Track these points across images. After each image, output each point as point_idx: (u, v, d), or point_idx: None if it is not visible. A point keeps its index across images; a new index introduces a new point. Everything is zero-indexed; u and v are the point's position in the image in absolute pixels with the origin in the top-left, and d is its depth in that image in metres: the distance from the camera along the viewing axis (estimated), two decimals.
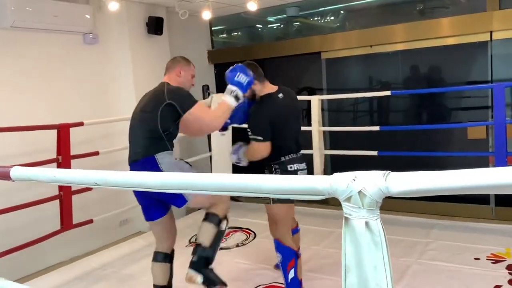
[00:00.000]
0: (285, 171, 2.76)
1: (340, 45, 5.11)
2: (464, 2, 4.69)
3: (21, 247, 3.34)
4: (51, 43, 4.07)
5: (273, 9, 5.50)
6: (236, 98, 2.62)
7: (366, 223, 0.88)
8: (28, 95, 3.88)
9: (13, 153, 3.59)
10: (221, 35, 6.32)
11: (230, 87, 2.64)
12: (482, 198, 4.49)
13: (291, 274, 2.75)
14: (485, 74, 4.42)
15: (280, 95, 2.83)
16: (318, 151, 4.58)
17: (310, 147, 4.54)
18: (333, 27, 5.48)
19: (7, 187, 3.27)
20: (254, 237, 4.23)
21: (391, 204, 3.88)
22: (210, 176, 1.11)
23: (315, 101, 4.59)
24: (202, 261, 2.56)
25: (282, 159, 2.77)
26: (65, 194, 3.59)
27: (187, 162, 2.76)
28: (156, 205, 2.63)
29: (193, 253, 2.61)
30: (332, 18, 5.52)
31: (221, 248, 3.97)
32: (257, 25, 6.08)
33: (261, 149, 2.69)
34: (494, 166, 3.91)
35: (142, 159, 2.52)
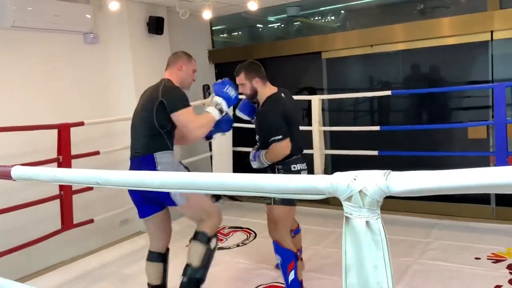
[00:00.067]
0: (288, 171, 2.76)
1: (341, 45, 5.11)
2: (465, 2, 4.68)
3: (21, 246, 3.34)
4: (51, 43, 4.08)
5: (274, 8, 5.50)
6: (220, 111, 2.63)
7: (367, 222, 0.88)
8: (28, 94, 3.88)
9: (14, 152, 3.58)
10: (222, 35, 6.31)
11: (216, 99, 2.64)
12: (483, 198, 4.49)
13: (291, 276, 2.74)
14: (485, 74, 4.41)
15: (282, 95, 2.85)
16: (318, 151, 4.58)
17: (311, 147, 4.54)
18: (333, 27, 5.47)
19: (8, 187, 3.27)
20: (255, 237, 4.23)
21: (392, 204, 3.88)
22: (211, 175, 1.11)
23: (316, 101, 4.58)
24: (193, 282, 2.54)
25: (287, 160, 2.77)
26: (65, 194, 3.59)
27: (186, 167, 2.73)
28: (149, 202, 2.62)
29: (183, 274, 2.57)
30: (333, 17, 5.52)
31: (221, 248, 4.00)
32: (258, 25, 6.08)
33: (283, 147, 2.69)
34: (495, 166, 3.90)
35: (141, 156, 2.52)
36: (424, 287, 3.02)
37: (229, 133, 4.97)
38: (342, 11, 5.41)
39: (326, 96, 5.09)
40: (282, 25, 5.97)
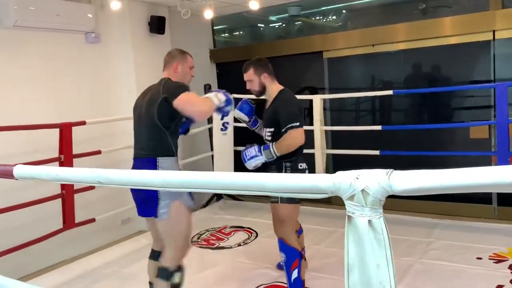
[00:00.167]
0: (295, 170, 2.76)
1: (342, 45, 5.10)
2: (467, 1, 4.67)
3: (23, 245, 3.35)
4: (53, 42, 4.08)
5: (275, 8, 5.50)
6: (219, 109, 2.64)
7: (369, 221, 0.88)
8: (30, 94, 3.88)
9: (15, 152, 3.59)
10: (223, 34, 6.32)
11: (222, 99, 2.63)
12: (485, 198, 4.48)
13: (295, 274, 2.74)
14: (487, 74, 4.41)
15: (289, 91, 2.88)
16: (320, 151, 4.58)
17: (312, 147, 4.54)
18: (335, 27, 5.47)
19: (9, 186, 3.28)
20: (256, 237, 4.23)
21: (393, 204, 3.88)
22: (213, 174, 1.11)
23: (317, 100, 4.58)
24: None
25: (294, 157, 2.77)
26: (67, 193, 3.59)
27: None
28: (145, 203, 2.60)
29: None
30: (334, 17, 5.51)
31: (223, 248, 4.00)
32: (259, 24, 6.08)
33: (299, 134, 2.66)
34: (497, 165, 3.89)
35: (144, 158, 2.53)
36: (425, 287, 3.01)
37: (230, 133, 4.98)
38: (344, 11, 5.40)
39: (327, 96, 5.09)
40: (284, 25, 5.97)
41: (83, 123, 3.79)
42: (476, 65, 4.58)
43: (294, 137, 2.65)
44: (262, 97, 2.93)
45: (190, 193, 2.59)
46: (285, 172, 2.77)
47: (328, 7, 5.43)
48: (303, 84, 5.47)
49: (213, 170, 5.05)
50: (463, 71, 4.65)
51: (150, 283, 2.77)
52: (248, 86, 2.87)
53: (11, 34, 3.73)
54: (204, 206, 5.33)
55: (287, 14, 5.55)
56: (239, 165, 5.37)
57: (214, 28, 6.03)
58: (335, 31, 5.33)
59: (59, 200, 3.60)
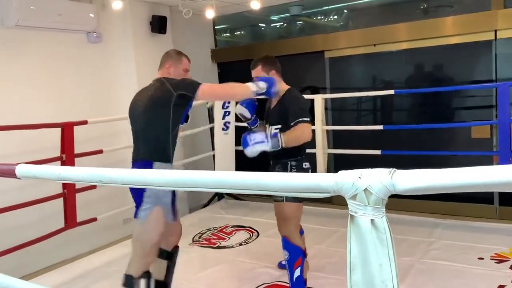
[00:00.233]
0: (301, 169, 2.77)
1: (344, 44, 5.10)
2: (469, 1, 4.67)
3: (25, 245, 3.35)
4: (55, 42, 4.08)
5: (276, 8, 5.50)
6: (257, 94, 2.68)
7: (372, 220, 0.88)
8: (31, 93, 3.89)
9: (16, 151, 3.60)
10: (224, 34, 6.32)
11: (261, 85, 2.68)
12: (486, 198, 4.48)
13: (297, 273, 2.74)
14: (489, 73, 4.40)
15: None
16: (321, 150, 4.58)
17: (314, 146, 4.54)
18: (336, 26, 5.47)
19: (10, 185, 3.28)
20: (257, 236, 4.23)
21: (395, 203, 3.87)
22: (216, 173, 1.11)
23: (319, 100, 4.58)
24: None
25: (299, 156, 2.79)
26: (69, 192, 3.60)
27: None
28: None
29: None
30: (336, 17, 5.51)
31: (224, 247, 4.00)
32: (260, 24, 6.08)
33: (308, 129, 2.67)
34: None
35: (141, 161, 2.51)
36: (426, 287, 3.01)
37: (232, 132, 4.99)
38: (345, 10, 5.40)
39: (329, 95, 5.09)
40: (285, 24, 5.96)
41: (84, 122, 3.79)
42: (478, 65, 4.58)
43: (303, 131, 2.65)
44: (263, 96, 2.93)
45: (174, 207, 2.57)
46: (291, 171, 2.78)
47: (329, 7, 5.43)
48: (305, 84, 5.47)
49: (214, 170, 5.06)
50: (464, 71, 4.64)
51: (155, 281, 2.77)
52: None
53: (12, 33, 3.74)
54: (206, 205, 5.33)
55: (288, 14, 5.55)
56: (240, 165, 5.35)
57: (216, 27, 6.03)
58: (337, 31, 5.33)
59: (61, 200, 3.61)
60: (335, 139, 5.21)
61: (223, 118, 4.92)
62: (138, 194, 2.48)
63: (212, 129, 5.12)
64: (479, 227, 4.01)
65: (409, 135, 4.78)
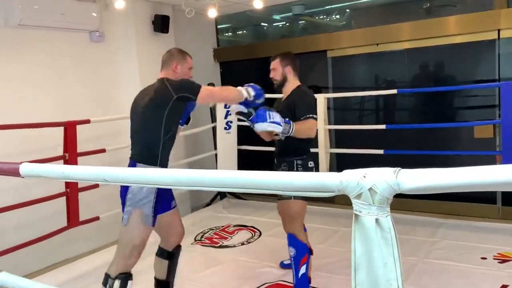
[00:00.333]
0: (306, 168, 2.79)
1: (346, 43, 5.09)
2: (472, 0, 4.65)
3: (27, 243, 3.36)
4: (57, 41, 4.09)
5: (279, 7, 5.49)
6: (246, 103, 2.67)
7: (377, 220, 0.88)
8: (34, 92, 3.90)
9: (19, 150, 3.60)
10: (227, 33, 6.31)
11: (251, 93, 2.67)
12: (489, 198, 4.47)
13: (303, 270, 2.75)
14: (492, 73, 4.39)
15: None
16: (323, 150, 4.57)
17: (316, 146, 4.53)
18: (339, 25, 5.46)
19: (12, 184, 3.29)
20: (260, 235, 4.23)
21: (398, 203, 3.86)
22: (220, 172, 1.11)
23: (321, 99, 4.57)
24: None
25: (305, 155, 2.81)
26: (71, 191, 3.60)
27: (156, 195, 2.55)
28: None
29: None
30: (338, 16, 5.50)
31: (226, 246, 4.00)
32: (263, 23, 6.08)
33: (315, 125, 2.74)
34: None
35: (130, 161, 2.53)
36: (430, 287, 3.00)
37: (234, 132, 4.99)
38: (348, 10, 5.39)
39: (331, 95, 5.09)
40: (287, 24, 5.96)
41: (87, 121, 3.80)
42: (481, 64, 4.56)
43: (311, 124, 2.72)
44: (280, 89, 2.95)
45: (155, 212, 2.55)
46: (297, 170, 2.79)
47: (332, 6, 5.42)
48: (307, 83, 5.40)
49: (216, 169, 5.06)
50: (467, 70, 4.63)
51: (155, 278, 2.78)
52: (271, 74, 2.94)
53: (15, 33, 3.74)
54: (208, 204, 5.34)
55: (291, 13, 5.54)
56: (243, 165, 5.35)
57: (218, 27, 6.03)
58: (339, 30, 5.32)
59: (63, 198, 3.61)
60: (338, 138, 5.20)
61: (225, 118, 4.92)
62: (122, 195, 2.51)
63: (214, 129, 5.12)
64: (482, 227, 4.00)
65: (411, 134, 4.77)
